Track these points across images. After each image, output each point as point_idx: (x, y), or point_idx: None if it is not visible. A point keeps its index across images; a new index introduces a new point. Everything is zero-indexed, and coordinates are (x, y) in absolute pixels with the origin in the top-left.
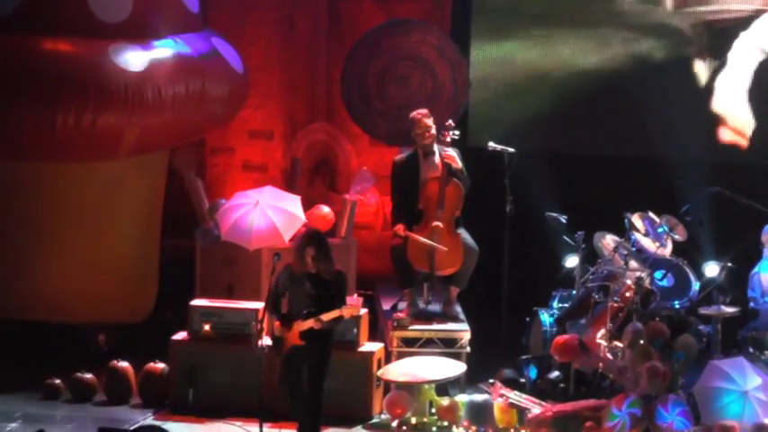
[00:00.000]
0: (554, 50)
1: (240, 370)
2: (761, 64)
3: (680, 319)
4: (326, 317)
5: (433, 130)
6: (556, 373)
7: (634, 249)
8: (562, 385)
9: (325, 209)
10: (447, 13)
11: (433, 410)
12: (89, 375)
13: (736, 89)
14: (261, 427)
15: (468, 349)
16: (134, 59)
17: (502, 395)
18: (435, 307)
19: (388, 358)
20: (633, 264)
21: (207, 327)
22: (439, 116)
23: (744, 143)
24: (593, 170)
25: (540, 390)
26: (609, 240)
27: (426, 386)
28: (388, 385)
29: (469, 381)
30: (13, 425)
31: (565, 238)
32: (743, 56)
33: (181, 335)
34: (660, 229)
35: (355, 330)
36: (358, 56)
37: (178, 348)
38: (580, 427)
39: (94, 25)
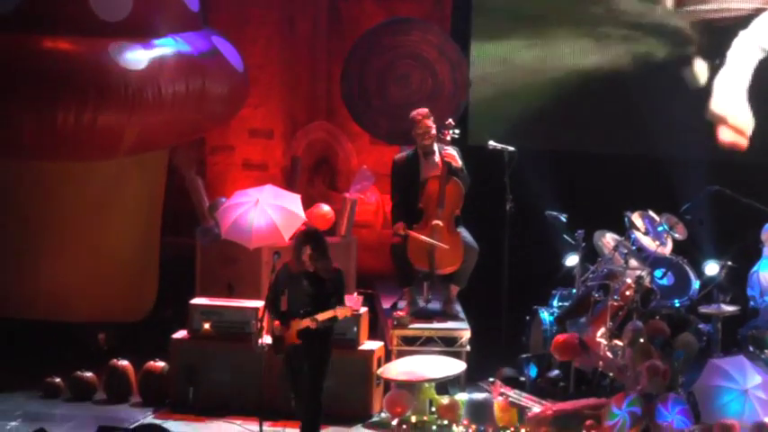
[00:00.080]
0: (554, 50)
1: (240, 368)
2: (761, 62)
3: (680, 318)
4: (321, 316)
5: (434, 131)
6: (556, 372)
7: (634, 248)
8: (562, 384)
9: (325, 207)
10: (447, 13)
11: (433, 409)
12: (89, 374)
13: (736, 88)
14: (261, 425)
15: (468, 348)
16: (134, 58)
17: (502, 394)
18: (435, 305)
19: (388, 357)
20: (633, 262)
21: (207, 325)
22: (439, 115)
23: (744, 142)
24: (593, 169)
25: (540, 388)
26: (609, 239)
27: (426, 385)
28: (388, 384)
29: (469, 379)
30: (14, 423)
31: (565, 236)
32: (743, 54)
33: (181, 333)
34: (660, 228)
35: (355, 329)
36: (358, 55)
37: (178, 347)
38: (580, 425)
39: (95, 24)
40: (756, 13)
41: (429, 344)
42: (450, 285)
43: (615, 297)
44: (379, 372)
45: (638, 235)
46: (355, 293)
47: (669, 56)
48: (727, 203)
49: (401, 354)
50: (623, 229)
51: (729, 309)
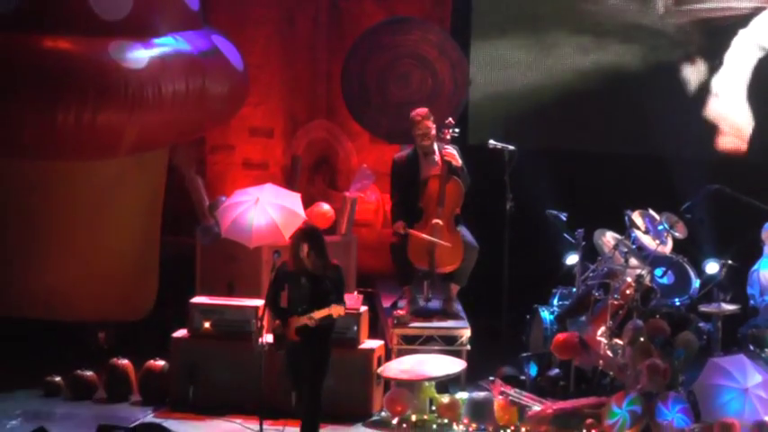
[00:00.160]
0: (554, 49)
1: (240, 367)
2: (760, 61)
3: (680, 317)
4: (318, 314)
5: (433, 132)
6: (556, 371)
7: (634, 247)
8: (562, 383)
9: (326, 206)
10: (447, 12)
11: (434, 408)
12: (89, 373)
13: (736, 87)
14: (261, 424)
15: (469, 346)
16: (134, 57)
17: (502, 392)
18: (435, 304)
19: (389, 356)
20: (633, 261)
21: (207, 324)
22: (439, 114)
23: (743, 141)
24: (593, 168)
25: (540, 387)
26: (609, 238)
27: (426, 383)
28: (388, 383)
29: (470, 378)
30: (14, 422)
31: (565, 235)
32: (742, 54)
33: (181, 332)
34: (660, 227)
35: (355, 328)
36: (358, 54)
37: (178, 346)
38: (580, 424)
39: (95, 23)
40: (756, 12)
41: (429, 342)
42: (451, 284)
43: (615, 296)
44: (379, 370)
45: (638, 234)
46: (355, 292)
47: (669, 55)
48: (728, 202)
49: (401, 352)
50: (623, 227)
51: (730, 307)
